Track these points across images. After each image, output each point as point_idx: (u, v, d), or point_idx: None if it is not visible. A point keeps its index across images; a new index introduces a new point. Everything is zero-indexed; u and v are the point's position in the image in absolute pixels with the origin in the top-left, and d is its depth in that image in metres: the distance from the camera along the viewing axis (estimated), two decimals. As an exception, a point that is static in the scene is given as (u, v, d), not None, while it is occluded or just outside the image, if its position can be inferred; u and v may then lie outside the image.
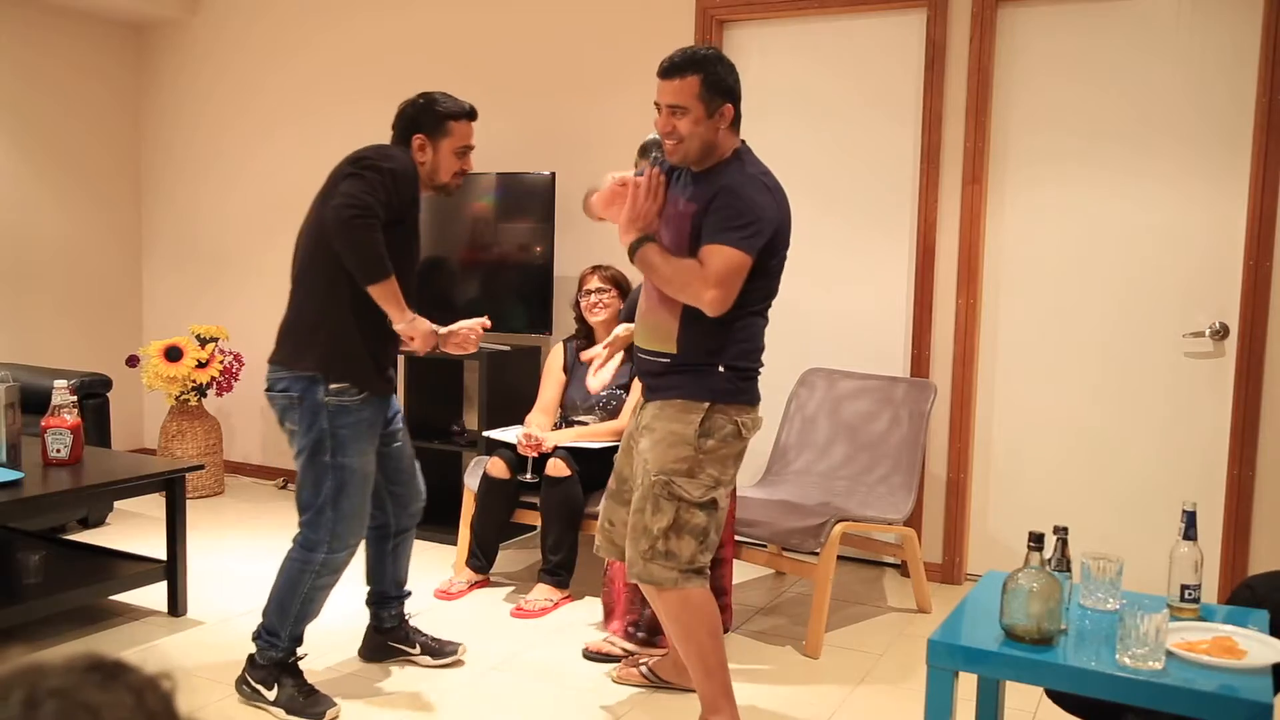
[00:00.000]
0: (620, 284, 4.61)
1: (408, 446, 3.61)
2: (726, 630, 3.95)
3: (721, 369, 2.97)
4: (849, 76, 4.88)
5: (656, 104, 2.99)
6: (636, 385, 4.44)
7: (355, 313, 3.22)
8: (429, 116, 3.36)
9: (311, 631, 3.48)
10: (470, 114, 3.42)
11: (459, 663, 3.74)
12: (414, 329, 3.22)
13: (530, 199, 5.22)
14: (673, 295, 2.94)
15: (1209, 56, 4.26)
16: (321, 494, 3.26)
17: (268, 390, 3.33)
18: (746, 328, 3.01)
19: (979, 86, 4.55)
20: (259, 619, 3.41)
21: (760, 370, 3.10)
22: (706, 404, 2.96)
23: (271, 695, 3.33)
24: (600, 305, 4.58)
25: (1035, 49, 4.53)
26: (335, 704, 3.34)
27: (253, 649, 3.40)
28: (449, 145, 3.37)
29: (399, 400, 3.55)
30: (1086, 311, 4.52)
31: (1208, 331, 4.31)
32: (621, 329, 3.72)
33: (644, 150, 3.94)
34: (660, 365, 3.04)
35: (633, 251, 3.01)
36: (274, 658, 3.35)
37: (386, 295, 3.16)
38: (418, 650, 3.73)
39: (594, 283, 4.62)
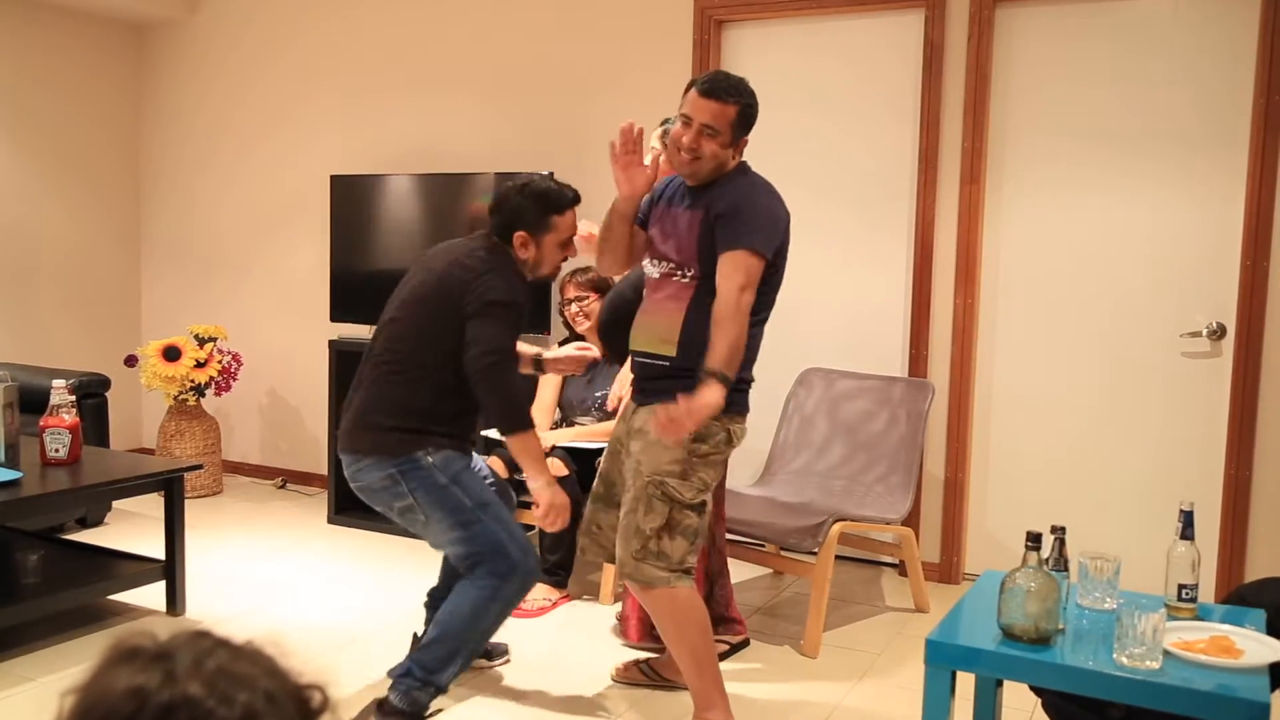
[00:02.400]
0: (599, 286, 4.57)
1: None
2: (746, 643, 3.97)
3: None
4: (847, 77, 4.88)
5: (686, 117, 3.02)
6: (620, 380, 4.47)
7: (447, 402, 3.18)
8: (532, 214, 3.26)
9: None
10: (574, 201, 3.35)
11: (508, 661, 3.74)
12: (552, 495, 3.16)
13: (529, 199, 5.20)
14: (742, 330, 2.91)
15: (1206, 56, 4.27)
16: (485, 532, 3.14)
17: (356, 482, 3.22)
18: (750, 340, 3.03)
19: (977, 86, 4.56)
20: (407, 661, 3.17)
21: (753, 382, 3.15)
22: None
23: None
24: (583, 314, 4.56)
25: (1033, 49, 4.54)
26: None
27: (388, 695, 3.16)
28: (553, 240, 3.29)
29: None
30: (1084, 311, 4.53)
31: (1205, 331, 4.32)
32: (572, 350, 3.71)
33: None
34: (658, 369, 3.06)
35: (723, 381, 2.88)
36: (420, 703, 3.13)
37: (526, 449, 3.14)
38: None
39: (572, 291, 4.59)
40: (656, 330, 3.07)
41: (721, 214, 2.98)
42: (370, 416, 3.18)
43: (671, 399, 2.86)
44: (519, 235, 3.26)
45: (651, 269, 3.15)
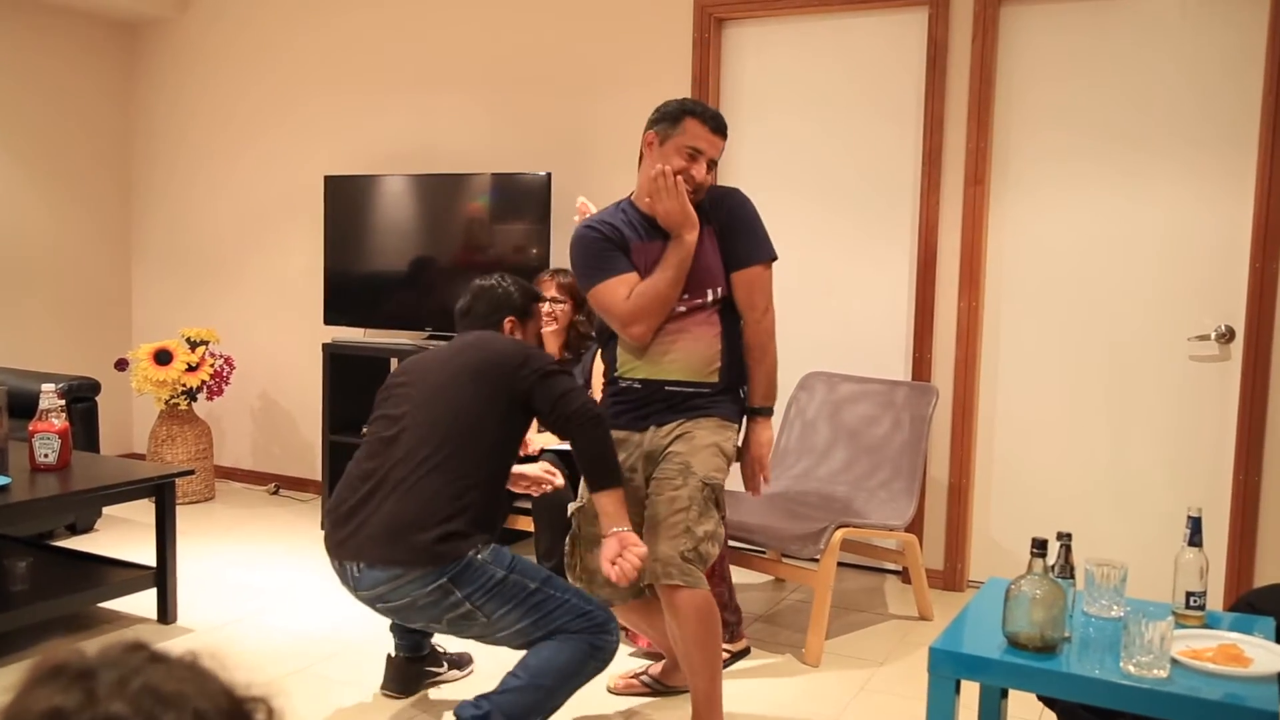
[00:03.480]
0: (576, 295, 4.55)
1: None
2: (747, 652, 3.97)
3: (742, 393, 3.23)
4: (849, 76, 4.88)
5: (698, 151, 3.07)
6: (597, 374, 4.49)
7: (487, 501, 3.02)
8: (519, 300, 3.33)
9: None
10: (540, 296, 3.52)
11: (472, 672, 3.73)
12: (627, 540, 2.97)
13: (525, 200, 5.21)
14: (775, 364, 3.22)
15: (1214, 55, 4.27)
16: (560, 604, 2.97)
17: (385, 603, 2.95)
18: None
19: (981, 86, 4.56)
20: (483, 702, 2.87)
21: None
22: (736, 424, 3.18)
23: None
24: (552, 317, 4.51)
25: (1038, 48, 4.54)
26: None
27: None
28: (534, 329, 3.40)
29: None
30: (1090, 314, 4.52)
31: (1213, 335, 4.31)
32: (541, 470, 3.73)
33: None
34: (698, 394, 3.16)
35: (767, 413, 3.27)
36: None
37: (620, 502, 2.99)
38: (445, 668, 3.65)
39: (551, 289, 4.55)
40: (692, 362, 3.13)
41: (725, 223, 3.10)
42: (410, 524, 2.89)
43: (710, 413, 3.13)
44: (509, 321, 3.29)
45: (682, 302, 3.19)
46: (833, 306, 4.96)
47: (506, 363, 3.05)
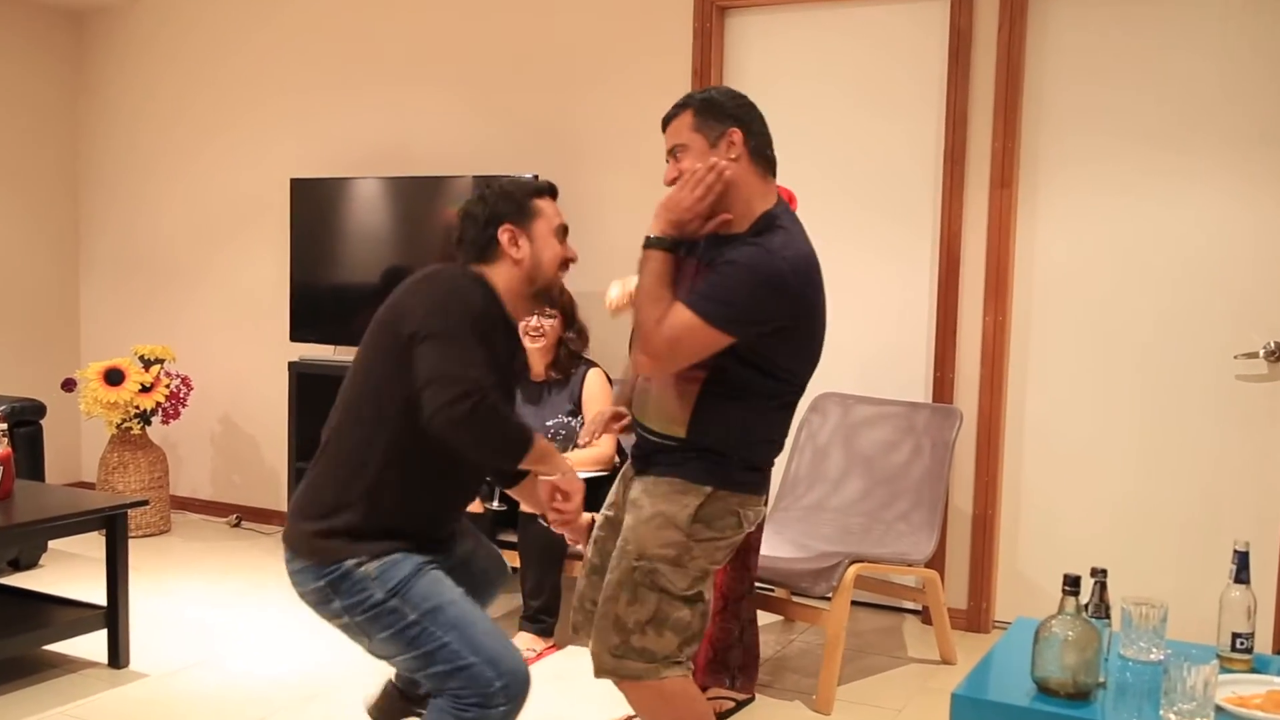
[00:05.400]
0: (567, 311, 4.59)
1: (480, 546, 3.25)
2: (752, 700, 3.95)
3: (735, 459, 2.86)
4: (862, 70, 4.91)
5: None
6: (588, 400, 4.48)
7: (402, 489, 2.81)
8: (510, 204, 2.95)
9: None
10: (550, 188, 3.06)
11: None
12: (573, 481, 2.85)
13: (511, 205, 5.22)
14: (645, 317, 2.78)
15: (1257, 51, 4.29)
16: (446, 652, 2.75)
17: (294, 587, 2.88)
18: (771, 423, 2.92)
19: (1008, 81, 4.59)
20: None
21: (770, 464, 3.02)
22: (709, 489, 2.82)
23: None
24: (540, 333, 4.53)
25: (1070, 40, 4.57)
26: None
27: None
28: (544, 227, 2.96)
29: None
30: (1127, 329, 4.55)
31: (1262, 352, 4.33)
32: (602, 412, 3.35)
33: None
34: (665, 447, 2.90)
35: (646, 246, 2.83)
36: None
37: (542, 456, 2.81)
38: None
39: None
40: (666, 410, 2.90)
41: (712, 263, 2.80)
42: (299, 510, 2.85)
43: (669, 474, 2.83)
44: (505, 231, 2.91)
45: None
46: (846, 321, 4.97)
47: (402, 314, 2.77)
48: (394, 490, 2.77)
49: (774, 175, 2.90)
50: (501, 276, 2.90)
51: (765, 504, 3.01)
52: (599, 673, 2.91)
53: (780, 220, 2.83)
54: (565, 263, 3.00)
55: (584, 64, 5.37)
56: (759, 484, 2.94)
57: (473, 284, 2.83)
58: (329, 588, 2.76)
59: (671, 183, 2.83)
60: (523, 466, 2.83)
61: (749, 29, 5.10)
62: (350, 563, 2.73)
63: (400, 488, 2.78)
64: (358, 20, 5.93)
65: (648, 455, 2.95)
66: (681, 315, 2.70)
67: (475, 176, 5.31)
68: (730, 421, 2.84)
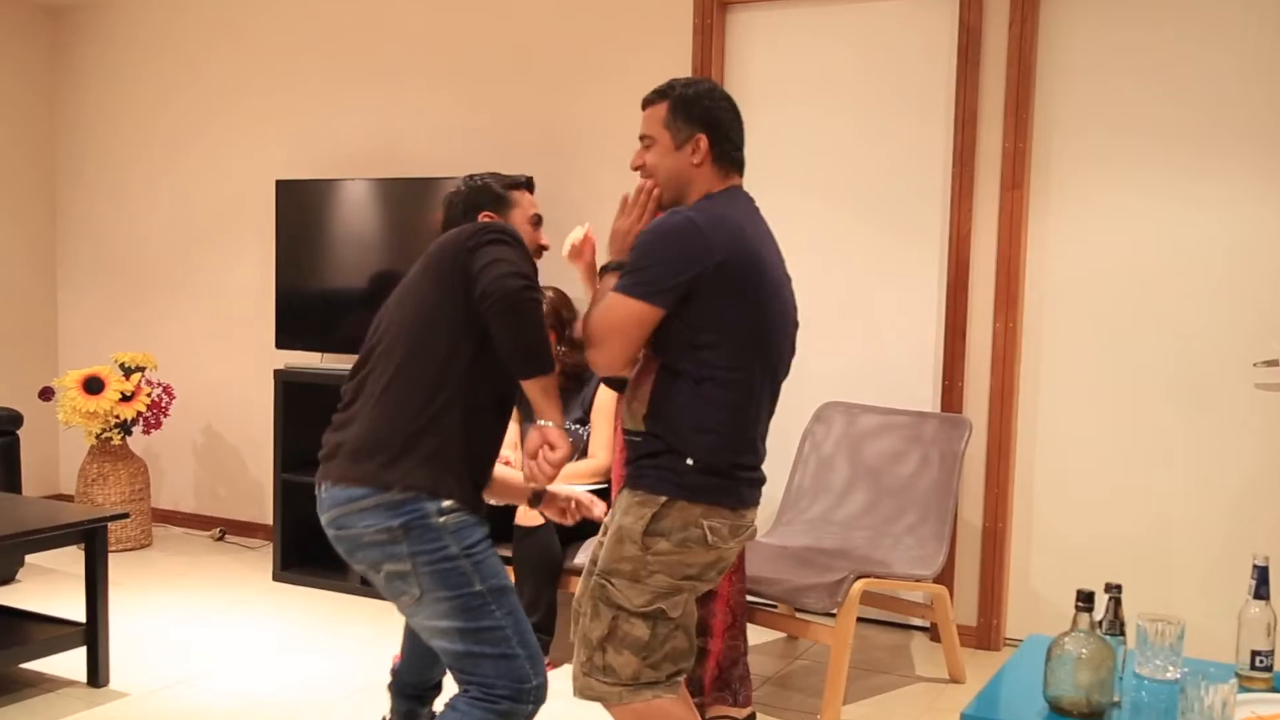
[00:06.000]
0: (560, 324, 4.60)
1: None
2: (753, 718, 3.94)
3: (689, 461, 2.80)
4: (870, 67, 4.92)
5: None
6: (596, 411, 4.49)
7: (465, 419, 2.91)
8: (489, 194, 3.25)
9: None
10: (528, 182, 3.34)
11: None
12: (548, 435, 2.87)
13: (505, 207, 5.23)
14: (595, 322, 2.84)
15: (1278, 42, 4.31)
16: (498, 635, 2.86)
17: (339, 529, 2.92)
18: (717, 408, 2.82)
19: (1020, 78, 4.60)
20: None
21: (754, 470, 2.92)
22: (663, 498, 2.79)
23: None
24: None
25: (1084, 35, 4.58)
26: None
27: None
28: (520, 216, 3.24)
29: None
30: (1143, 336, 4.55)
31: (1281, 359, 4.35)
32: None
33: None
34: (634, 447, 2.91)
35: (602, 271, 2.96)
36: None
37: (549, 390, 2.86)
38: None
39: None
40: (631, 402, 2.94)
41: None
42: (364, 451, 2.89)
43: (635, 485, 2.83)
44: (484, 217, 3.18)
45: None
46: (851, 328, 4.98)
47: (458, 238, 2.94)
48: (458, 426, 2.89)
49: (740, 175, 3.00)
50: None
51: (748, 522, 2.92)
52: (575, 691, 2.92)
53: (710, 197, 2.93)
54: (539, 250, 3.21)
55: (579, 61, 5.38)
56: (731, 496, 2.85)
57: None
58: (402, 530, 2.81)
59: (638, 168, 2.96)
60: (532, 391, 2.85)
61: (751, 25, 5.11)
62: (431, 507, 2.82)
63: (463, 424, 2.90)
64: (346, 15, 5.93)
65: (628, 462, 2.95)
66: (606, 300, 2.80)
67: (466, 178, 5.30)
68: (671, 407, 2.82)
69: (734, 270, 2.78)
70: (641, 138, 2.96)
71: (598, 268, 3.02)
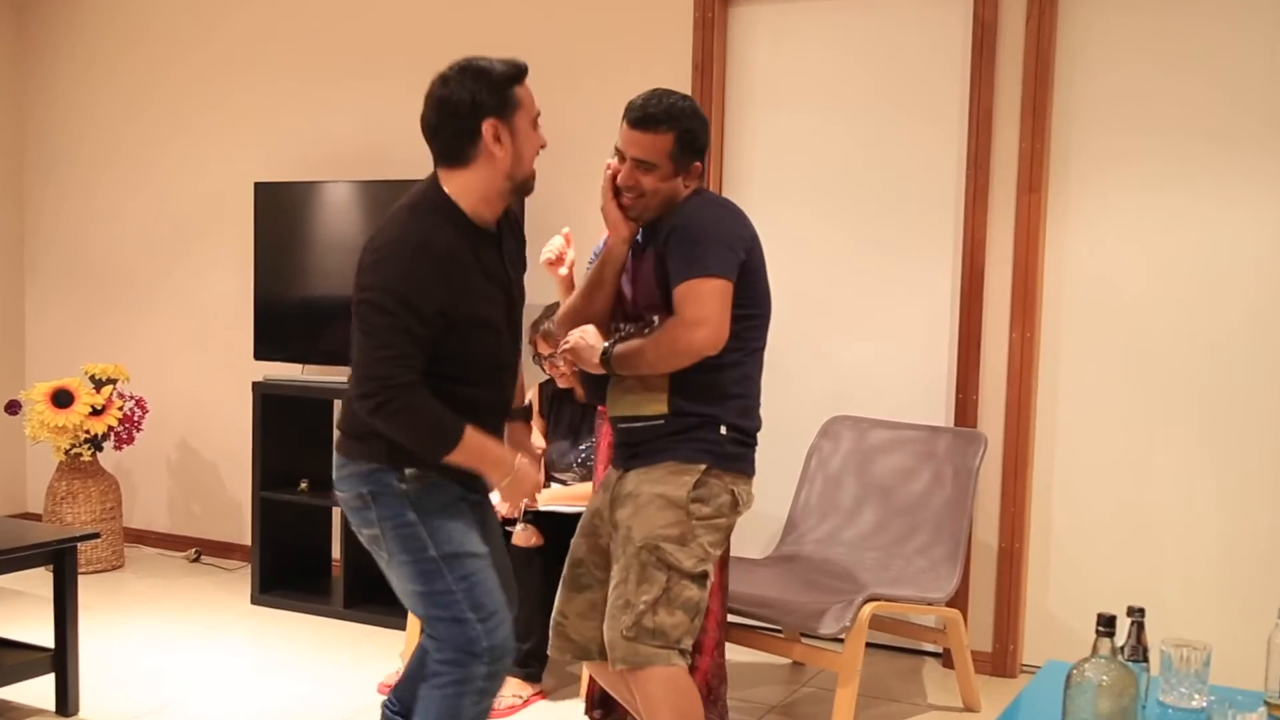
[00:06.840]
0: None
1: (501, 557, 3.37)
2: None
3: (724, 429, 3.15)
4: (879, 64, 4.93)
5: (619, 151, 3.18)
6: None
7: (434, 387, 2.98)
8: (491, 93, 3.00)
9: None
10: (525, 69, 3.14)
11: None
12: (520, 482, 3.08)
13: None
14: (669, 367, 3.10)
15: (1310, 42, 4.32)
16: (448, 599, 2.99)
17: (338, 493, 3.12)
18: (744, 377, 3.21)
19: (1037, 76, 4.60)
20: None
21: (756, 433, 3.26)
22: (703, 466, 3.11)
23: None
24: (559, 373, 4.55)
25: (1105, 29, 4.58)
26: None
27: None
28: (525, 119, 3.06)
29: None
30: (1167, 346, 4.55)
31: (1312, 371, 4.35)
32: (576, 334, 3.46)
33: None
34: (650, 430, 3.16)
35: (605, 362, 3.18)
36: None
37: (472, 455, 2.98)
38: None
39: (545, 347, 4.57)
40: (637, 393, 3.19)
41: (665, 243, 3.11)
42: (346, 417, 3.09)
43: (662, 459, 3.10)
44: (489, 125, 2.97)
45: (628, 329, 3.27)
46: (860, 339, 4.98)
47: (359, 264, 2.96)
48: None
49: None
50: (478, 179, 3.02)
51: (752, 490, 3.27)
52: (613, 661, 3.13)
53: (703, 190, 3.30)
54: (537, 150, 3.14)
55: (574, 57, 5.38)
56: (749, 464, 3.23)
57: (417, 220, 2.98)
58: (370, 496, 3.01)
59: (630, 187, 3.17)
60: (455, 461, 2.98)
61: (756, 20, 5.12)
62: (393, 475, 2.99)
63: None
64: (329, 9, 5.94)
65: (634, 447, 3.21)
66: (700, 285, 3.03)
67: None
68: (712, 383, 3.14)
69: (759, 250, 3.21)
70: (639, 162, 3.14)
71: (573, 277, 3.15)
